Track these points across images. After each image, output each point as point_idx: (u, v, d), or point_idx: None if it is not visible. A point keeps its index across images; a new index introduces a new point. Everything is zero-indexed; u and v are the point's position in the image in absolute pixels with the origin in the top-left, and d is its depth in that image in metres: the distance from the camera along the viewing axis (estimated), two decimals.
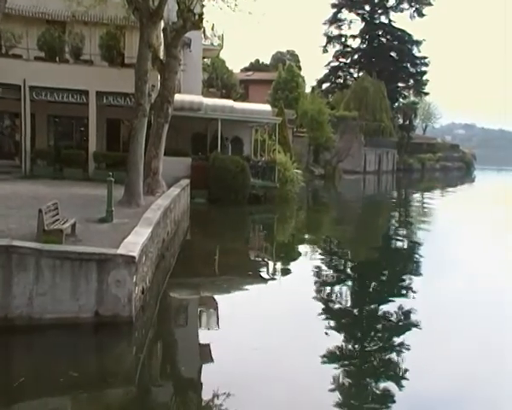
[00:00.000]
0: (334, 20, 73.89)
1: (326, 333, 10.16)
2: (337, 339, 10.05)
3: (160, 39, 20.34)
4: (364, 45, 74.43)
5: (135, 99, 16.59)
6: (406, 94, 77.59)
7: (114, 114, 24.96)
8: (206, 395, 7.49)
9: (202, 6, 19.46)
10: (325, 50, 74.77)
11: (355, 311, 12.38)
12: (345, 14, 73.98)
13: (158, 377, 8.38)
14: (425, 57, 75.48)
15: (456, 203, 39.02)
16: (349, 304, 12.81)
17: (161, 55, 20.18)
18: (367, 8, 73.40)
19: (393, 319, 11.32)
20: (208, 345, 9.28)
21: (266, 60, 71.16)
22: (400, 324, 11.21)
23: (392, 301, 12.68)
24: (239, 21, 17.74)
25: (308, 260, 17.21)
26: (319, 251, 19.20)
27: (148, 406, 7.46)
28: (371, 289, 14.45)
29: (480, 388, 8.16)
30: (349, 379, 8.42)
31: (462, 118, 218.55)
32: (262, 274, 15.16)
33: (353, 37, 74.63)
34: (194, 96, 26.53)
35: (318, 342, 9.54)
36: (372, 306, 12.57)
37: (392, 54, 73.93)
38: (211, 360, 8.72)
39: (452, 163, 79.36)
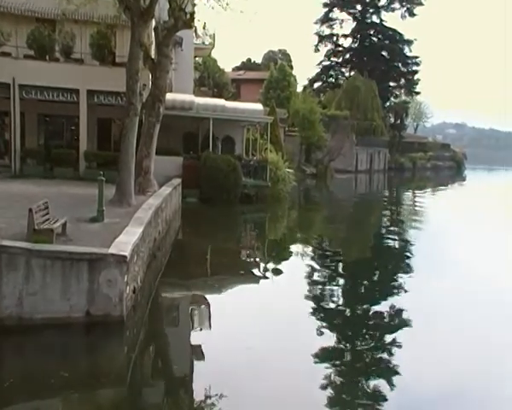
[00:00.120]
0: (326, 20, 74.05)
1: (318, 332, 10.17)
2: (329, 338, 10.08)
3: (152, 38, 20.28)
4: (356, 45, 74.65)
5: (126, 98, 16.52)
6: (397, 93, 77.95)
7: (105, 113, 24.83)
8: (197, 395, 7.48)
9: (194, 5, 19.40)
10: (317, 50, 74.98)
11: (347, 310, 12.40)
12: (336, 13, 74.26)
13: (149, 377, 8.36)
14: (416, 57, 75.92)
15: (448, 202, 39.23)
16: (341, 303, 12.85)
17: (153, 54, 20.12)
18: (358, 7, 73.58)
19: (385, 317, 11.37)
20: (200, 345, 9.27)
21: (258, 59, 71.29)
22: (391, 322, 11.27)
23: (384, 299, 12.73)
24: (230, 20, 17.69)
25: (300, 260, 17.25)
26: (311, 250, 19.23)
27: (140, 406, 7.45)
28: (362, 288, 14.49)
29: (470, 386, 8.22)
30: (341, 377, 8.44)
31: (453, 117, 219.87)
32: (254, 274, 15.15)
33: (345, 36, 74.91)
34: (186, 96, 26.46)
35: (311, 341, 9.55)
36: (363, 304, 12.59)
37: (384, 53, 74.22)
38: (203, 359, 8.71)
39: (443, 162, 79.80)
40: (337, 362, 9.03)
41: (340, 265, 17.33)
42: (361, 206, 35.72)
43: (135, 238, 10.32)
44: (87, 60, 23.87)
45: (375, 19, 74.55)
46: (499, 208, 33.70)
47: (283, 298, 12.21)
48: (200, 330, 10.49)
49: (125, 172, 15.90)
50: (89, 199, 14.41)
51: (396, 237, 22.81)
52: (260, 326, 10.07)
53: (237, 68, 67.22)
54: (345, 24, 74.52)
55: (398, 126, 74.07)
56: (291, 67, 58.83)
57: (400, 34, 73.89)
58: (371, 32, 74.54)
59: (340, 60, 75.79)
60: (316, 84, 74.07)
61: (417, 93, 79.21)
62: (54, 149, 24.14)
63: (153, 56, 19.64)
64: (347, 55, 75.28)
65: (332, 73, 76.05)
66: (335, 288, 14.21)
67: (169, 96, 21.66)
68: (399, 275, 15.40)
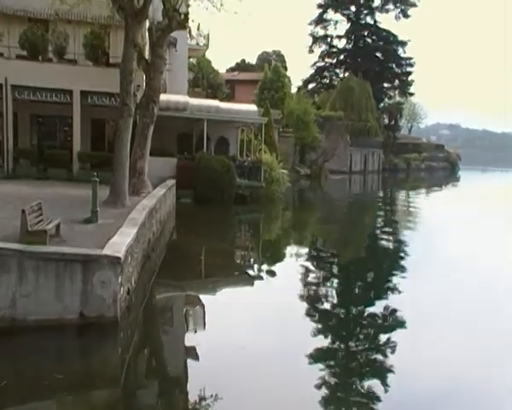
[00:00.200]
0: (320, 21, 74.23)
1: (312, 332, 10.18)
2: (324, 338, 10.10)
3: (146, 39, 20.23)
4: (350, 46, 74.87)
5: (120, 99, 16.47)
6: (392, 94, 78.20)
7: (99, 113, 24.75)
8: (192, 396, 7.46)
9: (188, 5, 19.37)
10: (311, 51, 75.20)
11: (341, 310, 12.41)
12: (330, 14, 74.49)
13: (144, 379, 8.32)
14: (410, 58, 76.25)
15: (442, 202, 39.37)
16: (335, 303, 12.85)
17: (147, 54, 20.07)
18: (352, 8, 73.83)
19: (379, 318, 11.37)
20: (194, 346, 9.25)
21: (252, 60, 71.27)
22: (386, 323, 11.27)
23: (378, 299, 12.77)
24: (225, 21, 17.69)
25: (294, 260, 17.24)
26: (305, 251, 19.24)
27: (134, 407, 7.42)
28: (357, 289, 14.52)
29: (464, 385, 8.24)
30: (336, 377, 8.45)
31: (447, 118, 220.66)
32: (248, 274, 15.14)
33: (339, 37, 75.14)
34: (180, 96, 26.43)
35: (305, 341, 9.55)
36: (357, 304, 12.63)
37: (378, 54, 74.47)
38: (197, 360, 8.69)
39: (437, 163, 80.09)
40: (332, 362, 9.04)
41: (335, 265, 17.35)
42: (355, 207, 35.78)
43: (129, 239, 10.29)
44: (80, 60, 23.78)
45: (369, 20, 74.89)
46: (492, 208, 33.85)
47: (278, 299, 12.19)
48: (195, 331, 10.47)
49: (119, 173, 15.85)
50: (82, 200, 14.35)
51: (390, 238, 22.86)
52: (254, 327, 10.06)
53: (231, 69, 67.22)
54: (339, 25, 74.88)
55: (393, 127, 74.32)
56: (285, 68, 58.90)
57: (394, 35, 74.22)
58: (365, 34, 74.79)
59: (335, 61, 76.00)
60: (310, 85, 74.26)
61: (411, 94, 79.58)
62: (47, 149, 24.03)
63: (147, 57, 19.59)
64: (341, 56, 75.49)
65: (326, 73, 76.24)
66: (329, 288, 14.22)
67: (163, 96, 21.62)
68: (393, 275, 15.42)
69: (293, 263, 16.63)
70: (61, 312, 8.80)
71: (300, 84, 71.98)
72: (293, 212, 30.72)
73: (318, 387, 7.82)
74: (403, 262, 17.45)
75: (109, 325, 8.98)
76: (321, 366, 8.72)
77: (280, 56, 67.08)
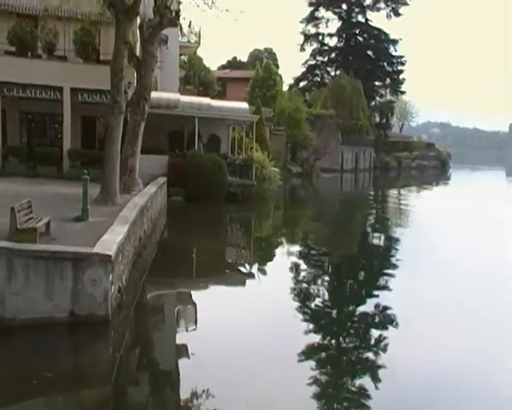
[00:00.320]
0: (312, 19, 74.19)
1: (304, 329, 10.19)
2: (316, 334, 10.11)
3: (137, 36, 20.09)
4: (341, 44, 74.88)
5: (111, 96, 16.38)
6: (383, 93, 78.28)
7: (90, 111, 24.58)
8: (184, 394, 7.45)
9: (179, 3, 19.28)
10: (302, 49, 75.05)
11: (333, 308, 12.44)
12: (322, 12, 74.36)
13: (135, 377, 8.29)
14: (401, 56, 76.35)
15: (432, 200, 39.56)
16: (327, 301, 12.88)
17: (138, 51, 19.95)
18: (344, 6, 73.83)
19: (371, 315, 11.42)
20: (185, 344, 9.24)
21: (244, 57, 71.05)
22: (377, 320, 11.32)
23: (370, 297, 12.81)
24: (216, 19, 17.63)
25: (285, 258, 17.24)
26: (296, 249, 19.25)
27: (126, 406, 7.39)
28: (348, 286, 14.56)
29: (455, 381, 8.29)
30: (327, 373, 8.47)
31: (438, 117, 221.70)
32: (239, 272, 15.14)
33: (330, 35, 75.06)
34: (171, 94, 26.32)
35: (297, 337, 9.56)
36: (349, 302, 12.67)
37: (369, 53, 74.54)
38: (188, 358, 8.68)
39: (428, 162, 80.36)
40: (324, 358, 9.06)
41: (326, 263, 17.38)
42: (346, 204, 35.87)
43: (120, 237, 10.24)
44: (71, 57, 23.61)
45: (360, 18, 74.88)
46: (482, 206, 34.06)
47: (269, 296, 12.20)
48: (186, 328, 10.44)
49: (109, 171, 15.77)
50: (73, 198, 14.26)
51: (381, 235, 22.95)
52: (246, 325, 10.05)
53: (223, 67, 67.03)
54: (330, 23, 74.75)
55: (384, 126, 74.45)
56: (277, 66, 58.80)
57: (385, 34, 74.31)
58: (357, 32, 74.84)
59: (326, 59, 75.97)
60: (301, 83, 74.16)
61: (402, 92, 79.70)
62: (37, 147, 23.84)
63: (138, 54, 19.48)
64: (333, 55, 75.47)
65: (318, 72, 76.21)
66: (320, 286, 14.24)
67: (154, 94, 21.52)
68: (384, 272, 15.50)
69: (285, 261, 16.63)
70: (51, 310, 8.74)
71: (292, 82, 71.99)
72: (285, 210, 30.75)
73: (311, 384, 7.83)
74: (393, 259, 17.52)
75: (100, 323, 8.94)
76: (313, 362, 8.74)
77: (271, 54, 66.98)
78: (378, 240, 21.97)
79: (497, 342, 9.90)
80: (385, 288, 13.71)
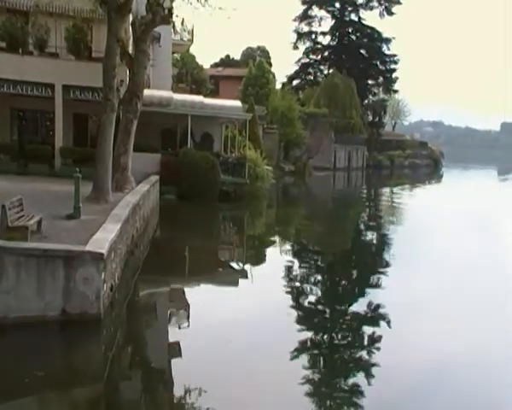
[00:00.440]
0: (305, 17, 74.20)
1: (298, 327, 10.22)
2: (309, 332, 10.12)
3: (129, 33, 19.99)
4: (334, 42, 74.94)
5: (103, 94, 16.30)
6: (376, 91, 78.43)
7: (82, 108, 24.43)
8: (177, 392, 7.45)
9: (172, 0, 19.21)
10: (295, 47, 75.04)
11: (326, 306, 12.47)
12: (315, 10, 74.36)
13: (127, 375, 8.27)
14: (394, 55, 76.50)
15: (425, 199, 39.72)
16: (320, 299, 12.90)
17: (130, 49, 19.86)
18: (337, 5, 73.88)
19: (364, 314, 11.46)
20: (178, 342, 9.22)
21: (237, 55, 70.95)
22: (370, 318, 11.35)
23: (362, 296, 12.86)
24: (209, 17, 17.55)
25: (278, 257, 17.27)
26: (289, 247, 19.29)
27: (118, 404, 7.37)
28: (341, 285, 14.59)
29: (447, 382, 8.33)
30: (320, 372, 8.49)
31: (431, 115, 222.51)
32: (232, 270, 15.13)
33: (323, 34, 75.08)
34: (164, 92, 26.24)
35: (290, 335, 9.58)
36: (342, 300, 12.70)
37: (362, 51, 74.65)
38: (181, 356, 8.66)
39: (421, 160, 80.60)
40: (317, 356, 9.08)
41: (319, 261, 17.41)
42: (339, 203, 35.96)
43: (112, 235, 10.20)
44: (62, 54, 23.41)
45: (353, 17, 74.93)
46: (474, 204, 34.25)
47: (262, 294, 12.20)
48: (179, 326, 10.42)
49: (101, 169, 15.70)
50: (65, 196, 14.18)
51: (373, 233, 23.01)
52: (239, 323, 10.05)
53: (216, 65, 66.90)
54: (323, 22, 74.78)
55: (377, 124, 74.61)
56: (270, 64, 58.77)
57: (379, 32, 74.44)
58: (350, 30, 74.92)
59: (319, 57, 76.03)
60: (294, 82, 74.16)
61: (395, 91, 79.88)
62: (28, 144, 23.66)
63: (130, 52, 19.39)
64: (326, 53, 75.52)
65: (311, 70, 76.25)
66: (313, 284, 14.26)
67: (147, 92, 21.44)
68: (377, 270, 15.54)
69: (278, 259, 16.65)
70: (43, 309, 8.70)
71: (285, 80, 71.95)
72: (278, 208, 30.76)
73: (304, 382, 7.84)
74: (386, 257, 17.59)
75: (92, 321, 8.91)
76: (306, 360, 8.76)
77: (264, 52, 66.93)
78: (371, 238, 22.04)
79: (490, 337, 9.97)
80: (378, 286, 13.75)
